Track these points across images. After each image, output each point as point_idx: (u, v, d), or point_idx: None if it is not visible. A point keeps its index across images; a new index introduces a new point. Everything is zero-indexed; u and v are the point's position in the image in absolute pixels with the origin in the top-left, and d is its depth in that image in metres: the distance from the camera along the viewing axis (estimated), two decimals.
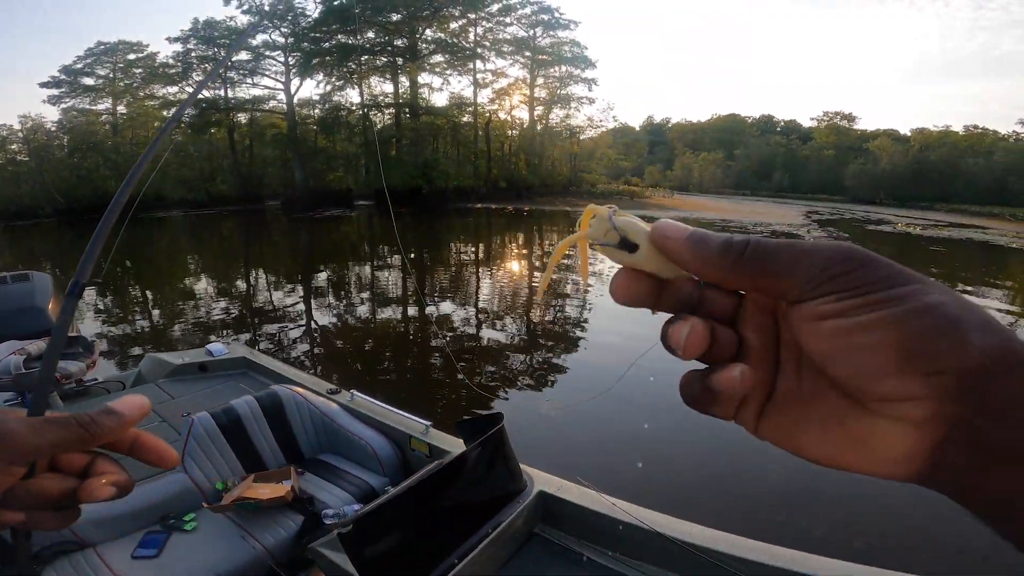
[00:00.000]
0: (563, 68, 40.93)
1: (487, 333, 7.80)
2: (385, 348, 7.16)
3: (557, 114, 42.39)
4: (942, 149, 56.42)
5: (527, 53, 39.10)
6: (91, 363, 3.39)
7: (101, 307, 9.33)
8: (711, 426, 5.09)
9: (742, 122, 76.67)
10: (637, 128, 79.08)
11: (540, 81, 40.81)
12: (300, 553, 2.09)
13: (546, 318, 8.73)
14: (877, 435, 0.22)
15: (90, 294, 10.40)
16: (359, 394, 3.05)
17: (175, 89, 34.57)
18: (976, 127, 58.72)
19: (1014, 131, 44.60)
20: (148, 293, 10.87)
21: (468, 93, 38.21)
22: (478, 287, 11.47)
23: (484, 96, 38.84)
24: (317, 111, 36.98)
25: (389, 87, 36.99)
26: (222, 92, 35.20)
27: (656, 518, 1.94)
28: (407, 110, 36.18)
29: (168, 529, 2.23)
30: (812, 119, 71.73)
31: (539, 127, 41.76)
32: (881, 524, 3.71)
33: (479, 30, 37.03)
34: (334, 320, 8.39)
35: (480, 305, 9.67)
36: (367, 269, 13.88)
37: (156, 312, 9.18)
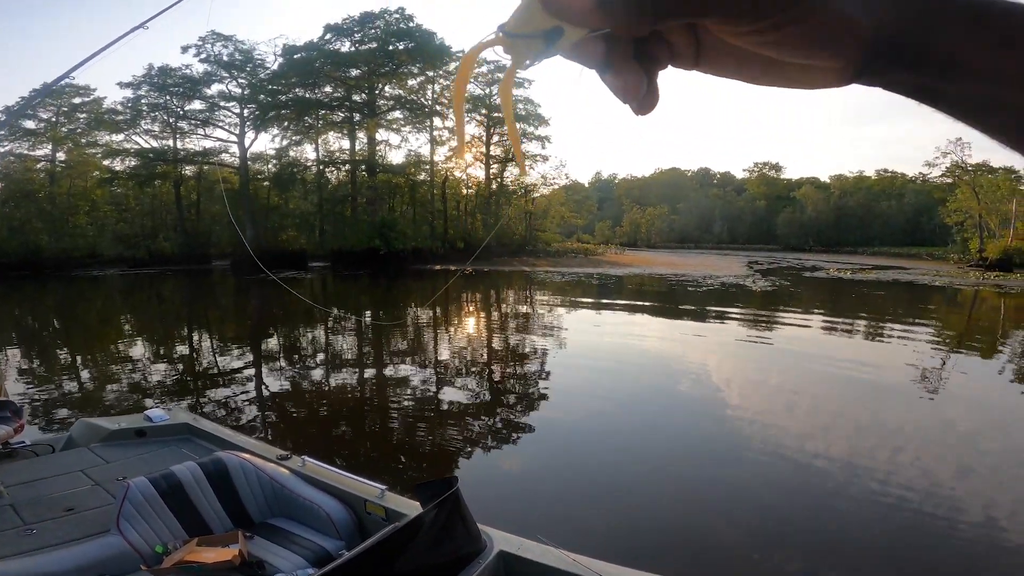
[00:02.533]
0: (518, 126, 42.70)
1: (447, 395, 7.66)
2: (341, 412, 6.88)
3: (511, 172, 43.79)
4: (858, 194, 61.10)
5: (483, 111, 40.65)
6: (19, 427, 3.25)
7: (26, 368, 8.63)
8: (673, 476, 5.11)
9: (683, 176, 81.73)
10: (586, 184, 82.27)
11: (495, 139, 42.33)
12: None
13: (505, 378, 8.69)
14: (809, 74, 0.27)
15: (14, 355, 9.72)
16: (311, 459, 2.94)
17: (120, 137, 33.48)
18: (887, 171, 63.36)
19: (920, 173, 49.18)
20: (78, 355, 10.13)
21: (425, 151, 39.06)
22: (436, 348, 11.34)
23: (441, 154, 39.75)
24: (271, 166, 36.52)
25: (347, 143, 37.30)
26: (171, 142, 34.20)
27: (619, 572, 1.93)
28: (364, 167, 36.43)
29: None
30: (744, 170, 77.66)
31: (494, 185, 42.93)
32: (852, 553, 3.75)
33: (437, 87, 38.30)
34: (286, 385, 8.03)
35: (439, 366, 9.54)
36: (321, 332, 13.47)
37: (87, 375, 8.54)
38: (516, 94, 41.75)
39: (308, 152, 37.02)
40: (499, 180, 43.32)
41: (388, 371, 9.06)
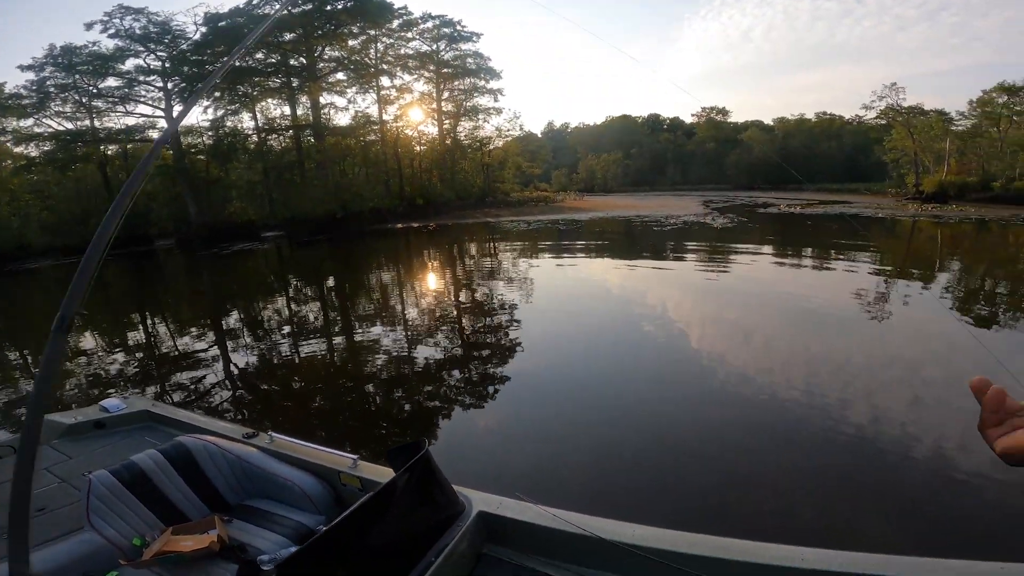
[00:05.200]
0: (468, 80, 41.38)
1: (420, 353, 7.65)
2: (313, 383, 6.78)
3: (465, 126, 42.79)
4: (800, 135, 64.03)
5: (431, 67, 39.07)
6: None
7: None
8: (644, 419, 5.32)
9: (633, 122, 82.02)
10: (539, 135, 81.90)
11: (446, 95, 41.01)
12: None
13: (477, 332, 8.71)
14: None
15: None
16: (278, 435, 2.87)
17: (30, 122, 30.73)
18: (826, 114, 66.39)
19: (856, 115, 51.60)
20: (28, 353, 9.54)
21: (374, 111, 37.44)
22: (404, 307, 11.23)
23: (391, 113, 38.30)
24: (206, 139, 34.29)
25: (288, 109, 35.24)
26: (88, 122, 31.57)
27: (599, 524, 1.95)
28: (310, 132, 34.66)
29: None
30: (692, 115, 78.73)
31: (448, 141, 41.89)
32: (821, 488, 4.03)
33: (380, 46, 36.46)
34: (253, 361, 7.82)
35: (409, 326, 9.48)
36: (284, 303, 13.09)
37: (38, 372, 8.02)
38: (465, 48, 40.20)
39: (247, 121, 34.73)
40: (452, 135, 42.20)
41: (358, 335, 8.94)
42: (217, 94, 32.52)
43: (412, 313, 10.60)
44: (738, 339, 7.88)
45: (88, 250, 0.91)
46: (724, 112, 76.00)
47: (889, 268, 13.78)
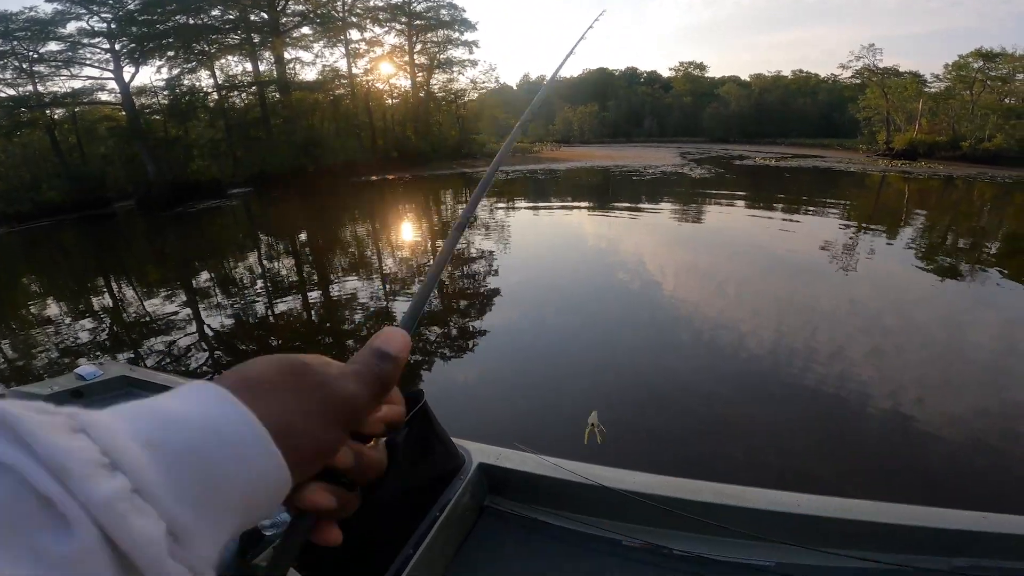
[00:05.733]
0: (442, 32, 39.59)
1: (398, 306, 7.58)
2: (294, 340, 6.66)
3: (439, 79, 41.30)
4: (777, 91, 64.55)
5: (403, 19, 37.09)
6: None
7: None
8: (626, 368, 5.44)
9: (611, 75, 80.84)
10: (515, 87, 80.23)
11: (419, 47, 39.20)
12: (249, 571, 1.90)
13: (456, 286, 8.66)
14: None
15: None
16: None
17: None
18: (802, 71, 67.45)
19: (832, 74, 52.81)
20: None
21: (343, 65, 35.66)
22: (381, 261, 11.05)
23: (361, 66, 36.52)
24: (162, 98, 32.34)
25: (251, 66, 33.25)
26: (31, 87, 29.46)
27: (599, 472, 1.94)
28: (274, 88, 32.93)
29: None
30: (670, 69, 78.05)
31: (422, 93, 40.41)
32: (786, 436, 4.22)
33: None
34: (229, 321, 7.64)
35: (387, 278, 9.35)
36: (256, 260, 12.71)
37: (7, 345, 7.65)
38: None
39: (206, 80, 32.65)
40: (426, 88, 40.67)
41: (335, 290, 8.77)
42: (171, 53, 30.44)
43: (390, 265, 10.47)
44: (711, 288, 8.07)
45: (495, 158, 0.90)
46: (702, 67, 75.82)
47: (858, 221, 14.14)
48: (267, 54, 32.64)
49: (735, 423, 4.26)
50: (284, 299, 8.66)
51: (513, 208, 17.17)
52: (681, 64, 75.22)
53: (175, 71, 31.51)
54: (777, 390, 4.81)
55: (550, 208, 17.07)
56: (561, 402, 4.63)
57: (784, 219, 14.17)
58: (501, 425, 4.31)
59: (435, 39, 39.79)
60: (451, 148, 40.09)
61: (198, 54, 31.12)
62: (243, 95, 33.64)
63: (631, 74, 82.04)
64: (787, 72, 68.56)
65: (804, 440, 4.05)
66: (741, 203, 17.06)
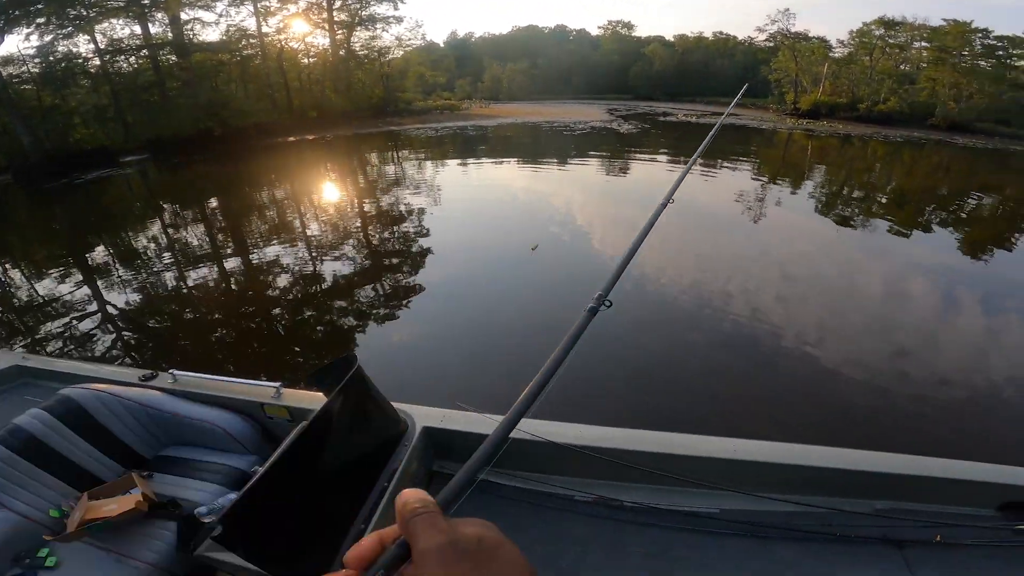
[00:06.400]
0: None
1: (328, 270, 7.30)
2: (214, 314, 6.25)
3: (361, 36, 38.81)
4: (699, 52, 67.28)
5: None
6: None
7: None
8: (556, 321, 5.59)
9: (540, 32, 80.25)
10: (442, 44, 77.61)
11: (338, 4, 36.35)
12: (194, 560, 1.81)
13: (386, 246, 8.44)
14: None
15: None
16: (181, 372, 2.53)
17: None
18: (722, 33, 70.11)
19: (749, 36, 55.45)
20: None
21: (252, 24, 32.42)
22: (304, 225, 10.49)
23: (273, 25, 33.44)
24: (32, 67, 28.12)
25: (139, 29, 29.49)
26: None
27: (545, 427, 1.92)
28: (170, 50, 29.55)
29: (29, 569, 1.80)
30: (599, 27, 78.74)
31: (342, 52, 37.80)
32: (702, 383, 4.55)
33: None
34: (136, 297, 7.01)
35: (311, 244, 8.92)
36: (160, 231, 11.64)
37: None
38: None
39: (85, 45, 28.47)
40: (347, 46, 38.06)
41: (255, 257, 8.25)
42: (42, 20, 26.23)
43: (314, 228, 9.98)
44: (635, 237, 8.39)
45: None
46: (629, 26, 77.37)
47: (768, 174, 15.12)
48: (160, 15, 29.06)
49: (661, 373, 4.53)
50: (197, 269, 8.03)
51: (443, 165, 16.76)
52: (609, 23, 76.23)
53: (47, 38, 27.34)
54: (700, 337, 5.15)
55: (479, 164, 16.82)
56: (500, 357, 4.71)
57: (703, 173, 14.84)
58: (443, 384, 4.33)
59: None
60: (376, 106, 38.19)
61: (74, 19, 27.12)
62: (132, 59, 29.92)
63: (560, 31, 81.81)
64: (708, 34, 71.22)
65: (730, 383, 4.39)
66: (664, 158, 17.68)
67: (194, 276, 7.71)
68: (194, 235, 10.68)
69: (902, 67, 41.37)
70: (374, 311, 5.91)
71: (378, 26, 38.51)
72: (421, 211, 10.20)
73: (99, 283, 7.84)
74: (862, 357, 4.81)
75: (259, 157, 22.42)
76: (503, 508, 1.87)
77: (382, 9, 38.41)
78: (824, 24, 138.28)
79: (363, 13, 37.78)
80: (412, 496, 0.36)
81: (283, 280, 7.11)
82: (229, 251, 9.00)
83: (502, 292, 6.23)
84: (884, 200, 12.79)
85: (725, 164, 16.44)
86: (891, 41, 41.46)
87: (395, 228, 9.30)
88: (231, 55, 31.70)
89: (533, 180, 13.44)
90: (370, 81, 39.69)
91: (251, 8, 32.08)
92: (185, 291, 7.14)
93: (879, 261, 7.98)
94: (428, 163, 17.16)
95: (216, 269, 7.99)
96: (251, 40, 32.68)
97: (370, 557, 0.35)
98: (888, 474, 1.77)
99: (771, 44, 49.37)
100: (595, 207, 10.75)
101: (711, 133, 2.13)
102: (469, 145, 22.20)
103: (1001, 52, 37.13)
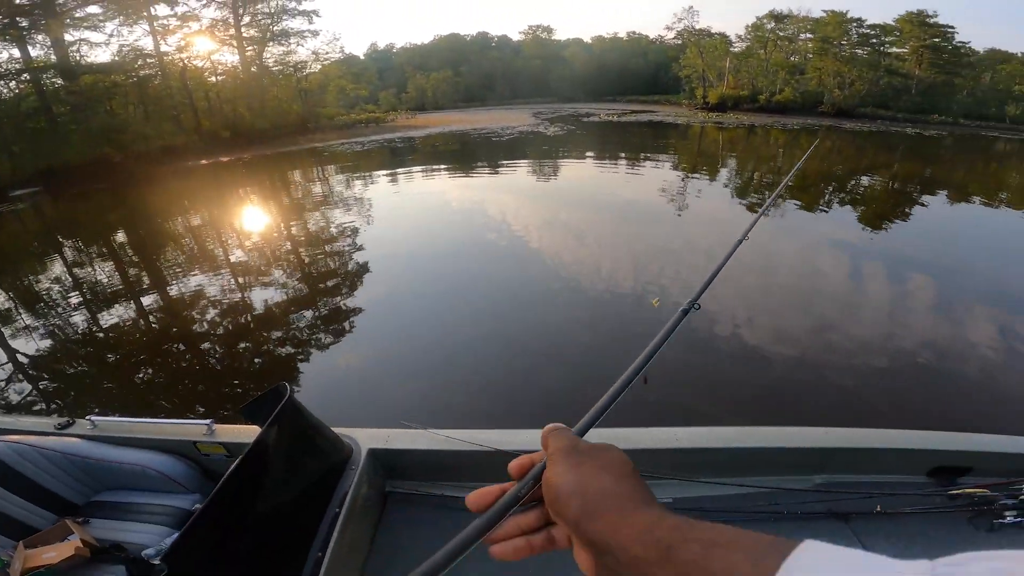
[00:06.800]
0: (275, 2, 35.68)
1: (259, 296, 7.03)
2: (133, 355, 5.85)
3: (274, 52, 37.41)
4: (615, 53, 70.09)
5: None
6: None
7: None
8: (500, 332, 5.71)
9: (462, 40, 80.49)
10: (362, 57, 76.26)
11: (247, 19, 34.81)
12: None
13: (319, 268, 8.23)
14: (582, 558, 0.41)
15: None
16: (100, 418, 2.41)
17: None
18: (635, 33, 74.12)
19: (659, 35, 58.88)
20: None
21: (147, 43, 30.42)
22: (227, 253, 10.00)
23: (172, 44, 31.55)
24: None
25: (18, 52, 26.94)
26: None
27: (488, 436, 1.93)
28: (54, 73, 27.18)
29: None
30: (520, 33, 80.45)
31: (254, 68, 36.21)
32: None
33: None
34: (46, 343, 6.42)
35: (238, 272, 8.52)
36: (63, 270, 10.67)
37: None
38: None
39: None
40: (259, 62, 36.54)
41: (174, 291, 7.75)
42: None
43: (238, 255, 9.53)
44: (571, 240, 8.72)
45: None
46: (549, 30, 79.37)
47: (686, 167, 16.09)
48: (41, 37, 26.69)
49: (606, 364, 4.75)
50: (112, 308, 7.47)
51: (373, 180, 16.48)
52: (530, 28, 78.04)
53: None
54: (639, 328, 5.42)
55: (410, 176, 16.71)
56: (442, 371, 4.75)
57: (628, 171, 15.54)
58: (388, 404, 4.31)
59: (267, 10, 35.75)
60: (296, 123, 36.83)
61: None
62: (11, 84, 27.27)
63: (482, 38, 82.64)
64: (623, 34, 74.62)
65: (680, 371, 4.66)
66: (591, 157, 18.34)
67: (110, 316, 7.16)
68: (103, 272, 9.87)
69: (792, 59, 45.21)
70: (313, 336, 5.76)
71: (292, 41, 37.52)
72: (354, 229, 10.00)
73: (3, 330, 7.11)
74: (788, 333, 5.26)
75: (168, 183, 21.03)
76: (464, 521, 1.86)
77: (296, 24, 37.34)
78: (723, 20, 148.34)
79: (275, 28, 36.57)
80: (552, 424, 0.49)
81: (211, 313, 6.77)
82: (145, 286, 8.42)
83: (443, 305, 6.24)
84: (790, 184, 13.96)
85: (648, 159, 17.33)
86: (781, 34, 45.16)
87: (327, 248, 9.07)
88: (126, 76, 29.62)
89: (466, 189, 13.52)
90: (287, 97, 38.32)
91: (146, 28, 30.16)
92: (101, 333, 6.61)
93: (789, 239, 8.73)
94: (357, 178, 16.81)
95: (134, 306, 7.46)
96: (148, 60, 30.75)
97: (526, 466, 0.48)
98: (827, 448, 1.85)
99: (679, 42, 52.52)
100: (530, 212, 10.98)
101: (792, 171, 2.27)
102: (398, 157, 21.97)
103: (875, 40, 41.43)
